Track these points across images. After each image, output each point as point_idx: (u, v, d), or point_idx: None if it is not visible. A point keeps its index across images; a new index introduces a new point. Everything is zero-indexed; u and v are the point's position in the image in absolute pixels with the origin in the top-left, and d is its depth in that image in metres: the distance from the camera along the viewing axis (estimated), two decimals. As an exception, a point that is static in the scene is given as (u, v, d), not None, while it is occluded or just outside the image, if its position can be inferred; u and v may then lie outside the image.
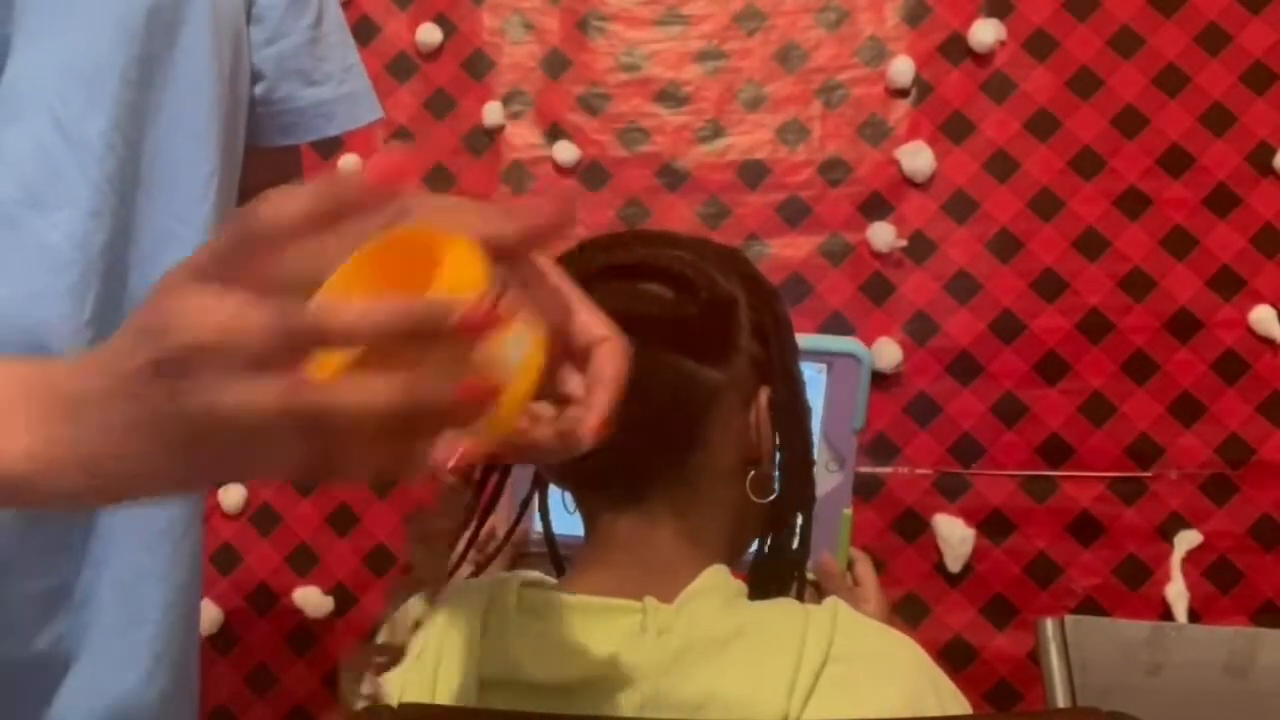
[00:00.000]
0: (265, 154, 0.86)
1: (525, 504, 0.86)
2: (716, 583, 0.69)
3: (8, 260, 0.67)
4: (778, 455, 0.74)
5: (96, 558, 0.72)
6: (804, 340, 0.97)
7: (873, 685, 0.63)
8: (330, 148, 1.48)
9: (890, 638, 0.68)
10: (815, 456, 0.96)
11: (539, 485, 0.83)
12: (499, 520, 0.89)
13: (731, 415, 0.72)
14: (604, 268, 0.70)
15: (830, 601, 0.68)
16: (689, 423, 0.70)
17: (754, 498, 0.72)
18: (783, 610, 0.68)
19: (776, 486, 0.73)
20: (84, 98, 0.69)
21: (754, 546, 0.77)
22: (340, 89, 0.88)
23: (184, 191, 0.75)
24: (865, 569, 1.02)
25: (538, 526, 0.87)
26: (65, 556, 0.71)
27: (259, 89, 0.84)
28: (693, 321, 0.69)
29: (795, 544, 0.77)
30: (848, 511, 0.98)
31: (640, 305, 0.69)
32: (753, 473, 0.72)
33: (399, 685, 0.68)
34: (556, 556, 0.84)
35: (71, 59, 0.69)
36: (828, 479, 0.97)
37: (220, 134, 0.77)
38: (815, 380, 0.97)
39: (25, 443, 0.43)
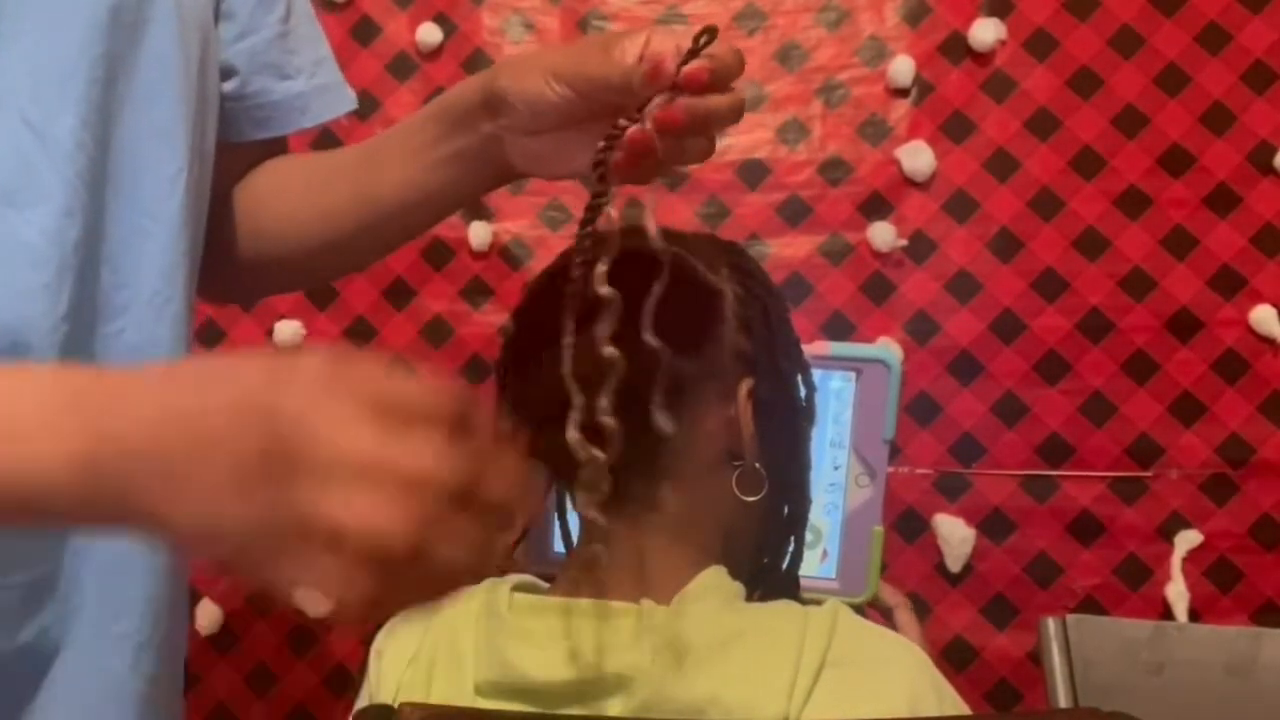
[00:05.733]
0: (242, 148, 0.87)
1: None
2: (714, 584, 0.69)
3: None
4: (767, 453, 0.73)
5: (78, 548, 0.73)
6: (832, 348, 0.95)
7: (873, 689, 0.63)
8: (329, 148, 1.48)
9: (891, 641, 0.68)
10: (846, 469, 0.94)
11: (553, 489, 0.83)
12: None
13: (708, 406, 0.71)
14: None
15: (831, 604, 0.68)
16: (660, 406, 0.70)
17: (739, 494, 0.72)
18: (782, 612, 0.68)
19: (765, 485, 0.73)
20: (53, 97, 0.70)
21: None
22: (312, 81, 0.89)
23: (152, 188, 0.76)
24: (907, 618, 0.98)
25: (556, 546, 0.86)
26: (47, 548, 0.72)
27: (232, 85, 0.85)
28: (669, 310, 0.69)
29: (790, 551, 0.77)
30: (878, 529, 0.94)
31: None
32: (738, 469, 0.72)
33: (395, 686, 0.68)
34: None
35: (40, 59, 0.70)
36: (857, 494, 0.93)
37: (188, 131, 0.77)
38: (844, 389, 0.94)
39: (67, 450, 0.44)
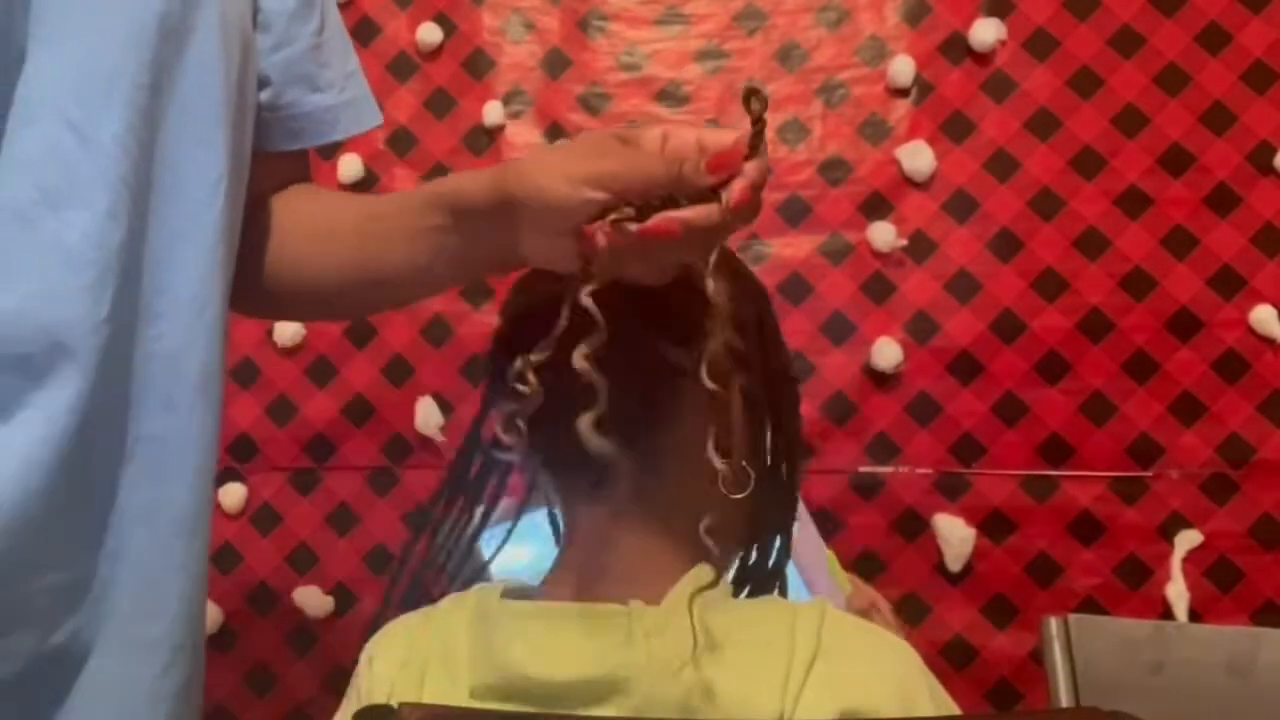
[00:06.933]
0: (272, 159, 0.87)
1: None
2: (702, 582, 0.69)
3: (27, 260, 0.68)
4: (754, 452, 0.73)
5: (113, 551, 0.73)
6: None
7: (864, 681, 0.63)
8: (330, 148, 1.48)
9: (878, 634, 0.68)
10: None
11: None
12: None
13: (696, 400, 0.71)
14: None
15: (817, 600, 0.68)
16: (649, 397, 0.70)
17: (725, 490, 0.71)
18: (771, 608, 0.68)
19: (751, 484, 0.72)
20: (98, 102, 0.70)
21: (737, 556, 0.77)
22: (343, 95, 0.90)
23: (194, 194, 0.76)
24: (883, 620, 0.99)
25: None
26: (82, 550, 0.72)
27: (266, 95, 0.85)
28: (664, 301, 0.69)
29: (775, 552, 0.77)
30: (829, 552, 0.98)
31: (618, 284, 0.68)
32: (725, 465, 0.72)
33: (388, 690, 0.68)
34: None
35: (85, 64, 0.71)
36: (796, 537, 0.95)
37: (228, 138, 0.78)
38: None
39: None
